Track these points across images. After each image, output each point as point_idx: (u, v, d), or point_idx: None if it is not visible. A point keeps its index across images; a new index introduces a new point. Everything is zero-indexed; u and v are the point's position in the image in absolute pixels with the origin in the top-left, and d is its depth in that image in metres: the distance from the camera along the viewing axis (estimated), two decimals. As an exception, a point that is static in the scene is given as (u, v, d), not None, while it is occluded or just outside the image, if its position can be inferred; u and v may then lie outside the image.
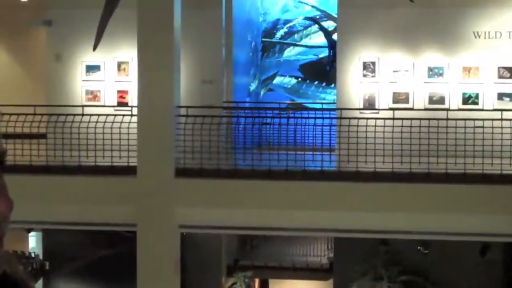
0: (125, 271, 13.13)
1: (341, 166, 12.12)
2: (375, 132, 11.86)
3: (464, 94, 14.54)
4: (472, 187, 11.19)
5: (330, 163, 12.25)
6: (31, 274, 15.13)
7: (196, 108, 12.55)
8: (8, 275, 1.26)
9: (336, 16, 16.66)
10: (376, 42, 14.79)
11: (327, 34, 21.75)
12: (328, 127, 12.65)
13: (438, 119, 12.21)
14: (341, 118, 12.82)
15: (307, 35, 22.61)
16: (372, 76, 14.81)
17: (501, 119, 12.05)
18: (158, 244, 11.53)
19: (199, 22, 14.98)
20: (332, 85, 20.18)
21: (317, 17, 22.36)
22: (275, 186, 11.54)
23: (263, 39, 21.78)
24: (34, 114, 12.37)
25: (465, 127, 11.80)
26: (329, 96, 21.58)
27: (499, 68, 14.47)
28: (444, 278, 15.15)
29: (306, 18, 22.64)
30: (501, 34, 14.42)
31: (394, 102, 14.64)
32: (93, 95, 15.47)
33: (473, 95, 14.50)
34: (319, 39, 22.39)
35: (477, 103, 14.42)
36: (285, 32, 22.55)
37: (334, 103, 16.43)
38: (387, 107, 14.25)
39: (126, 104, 14.88)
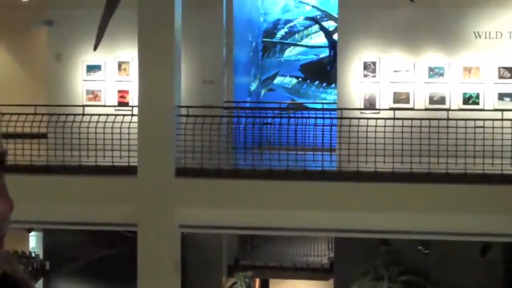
0: (125, 271, 13.13)
1: (341, 166, 12.11)
2: (375, 132, 11.86)
3: (464, 94, 14.54)
4: (472, 187, 11.18)
5: (331, 163, 12.24)
6: (31, 274, 15.13)
7: (196, 108, 12.55)
8: (8, 275, 1.25)
9: (336, 16, 16.65)
10: (377, 42, 14.79)
11: (328, 34, 21.73)
12: (329, 127, 12.64)
13: (438, 119, 12.20)
14: (341, 118, 12.81)
15: (307, 35, 22.58)
16: (373, 76, 14.80)
17: (502, 119, 12.04)
18: (158, 244, 11.52)
19: (200, 22, 14.98)
20: (333, 85, 20.15)
21: (318, 17, 22.33)
22: (276, 186, 11.53)
23: (264, 39, 21.76)
24: (35, 114, 12.37)
25: (465, 127, 11.80)
26: (330, 96, 21.54)
27: (499, 68, 14.47)
28: (444, 278, 15.14)
29: (307, 18, 22.62)
30: (501, 34, 14.42)
31: (394, 102, 14.64)
32: (93, 95, 15.47)
33: (473, 95, 14.50)
34: (320, 39, 22.36)
35: (477, 103, 14.42)
36: (286, 32, 22.52)
37: (334, 103, 16.41)
38: (387, 107, 14.25)
39: (126, 104, 14.88)
